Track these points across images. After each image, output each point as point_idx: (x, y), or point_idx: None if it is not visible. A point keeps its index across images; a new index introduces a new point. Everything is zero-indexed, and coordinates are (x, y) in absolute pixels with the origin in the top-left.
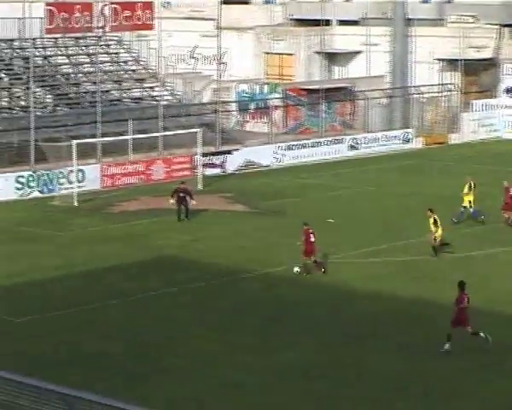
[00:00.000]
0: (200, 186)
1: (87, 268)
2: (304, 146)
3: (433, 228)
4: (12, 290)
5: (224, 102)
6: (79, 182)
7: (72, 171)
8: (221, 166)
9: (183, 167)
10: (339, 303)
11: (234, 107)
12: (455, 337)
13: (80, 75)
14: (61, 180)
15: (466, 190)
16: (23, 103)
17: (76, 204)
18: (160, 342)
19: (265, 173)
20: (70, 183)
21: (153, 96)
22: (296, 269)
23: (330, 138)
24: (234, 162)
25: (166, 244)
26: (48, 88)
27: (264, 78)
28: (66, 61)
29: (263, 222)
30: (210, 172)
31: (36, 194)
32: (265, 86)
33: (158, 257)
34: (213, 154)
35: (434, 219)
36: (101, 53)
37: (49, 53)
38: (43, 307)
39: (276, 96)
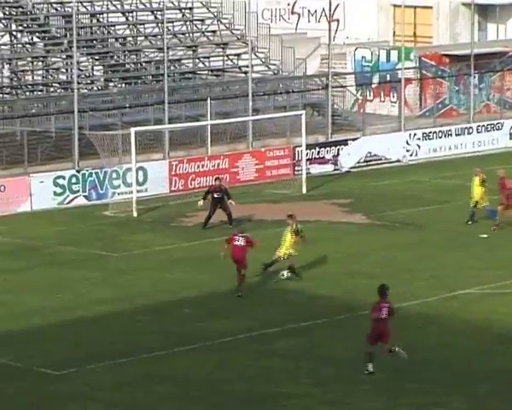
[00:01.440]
0: (303, 189)
1: (150, 302)
2: (447, 134)
3: None
4: (49, 332)
5: (337, 75)
6: (140, 185)
7: (129, 169)
8: (333, 161)
9: (280, 164)
10: (498, 349)
11: (350, 81)
12: None
13: (141, 39)
14: (115, 182)
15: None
16: (63, 78)
17: (135, 215)
18: (250, 403)
19: (395, 171)
20: (127, 186)
21: (239, 67)
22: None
23: (484, 123)
24: (351, 157)
25: (258, 269)
26: (97, 57)
27: (393, 40)
28: (122, 19)
29: (391, 239)
30: (318, 169)
31: (81, 201)
32: (394, 52)
33: (247, 287)
34: (323, 145)
35: None
36: (170, 8)
37: (98, 9)
38: (89, 356)
39: (409, 65)
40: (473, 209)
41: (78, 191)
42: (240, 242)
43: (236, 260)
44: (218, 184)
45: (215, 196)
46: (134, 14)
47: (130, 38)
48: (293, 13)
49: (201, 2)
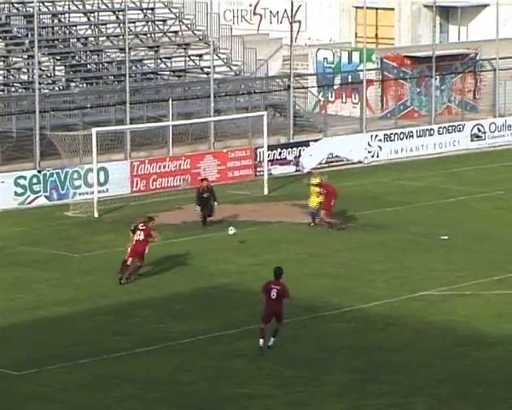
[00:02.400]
0: (265, 190)
1: (111, 303)
2: (409, 135)
3: None
4: (9, 333)
5: (298, 76)
6: (101, 185)
7: (91, 170)
8: (295, 162)
9: (242, 165)
10: (459, 351)
11: (312, 82)
12: None
13: (102, 39)
14: (77, 182)
15: None
16: (24, 78)
17: (96, 215)
18: (212, 404)
19: (356, 173)
20: (88, 186)
21: (201, 68)
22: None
23: (445, 125)
24: (313, 158)
25: (221, 270)
26: (58, 57)
27: (354, 42)
28: (84, 19)
29: (353, 240)
30: (279, 171)
31: (42, 201)
32: (355, 53)
33: (209, 288)
34: (284, 146)
35: None
36: (131, 8)
37: (59, 9)
38: (51, 356)
39: (371, 66)
40: None
41: (40, 191)
42: (140, 236)
43: (135, 255)
44: (206, 184)
45: (204, 196)
46: (95, 14)
47: (92, 39)
48: (255, 14)
49: (163, 3)
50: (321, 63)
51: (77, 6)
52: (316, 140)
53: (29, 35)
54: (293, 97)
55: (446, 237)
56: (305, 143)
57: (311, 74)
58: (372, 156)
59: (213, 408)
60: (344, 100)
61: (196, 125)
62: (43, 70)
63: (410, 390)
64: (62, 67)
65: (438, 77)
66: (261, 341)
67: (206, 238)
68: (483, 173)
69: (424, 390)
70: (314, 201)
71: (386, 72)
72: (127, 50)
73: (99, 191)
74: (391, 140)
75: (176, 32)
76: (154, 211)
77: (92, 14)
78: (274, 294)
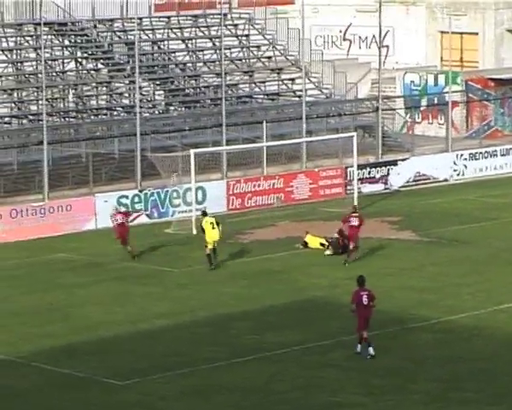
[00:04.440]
0: None
1: (208, 315)
2: (493, 154)
3: None
4: (113, 344)
5: (386, 98)
6: (199, 204)
7: (189, 189)
8: (384, 181)
9: (333, 183)
10: None
11: (400, 104)
12: None
13: (200, 65)
14: (176, 201)
15: None
16: (126, 102)
17: (195, 232)
18: None
19: (442, 190)
20: (187, 204)
21: (294, 91)
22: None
23: None
24: (400, 176)
25: (313, 284)
26: (158, 82)
27: (440, 65)
28: (182, 46)
29: (439, 255)
30: (369, 189)
31: (143, 219)
32: (441, 76)
33: (302, 301)
34: (373, 165)
35: None
36: (227, 36)
37: (159, 36)
38: (151, 367)
39: (456, 88)
40: None
41: (141, 210)
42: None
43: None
44: None
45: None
46: (193, 41)
47: (190, 64)
48: (344, 39)
49: (257, 30)
50: (408, 86)
51: (175, 33)
52: (403, 159)
53: (130, 61)
54: (382, 119)
55: None
56: (393, 163)
57: (398, 96)
58: (458, 175)
59: None
60: (430, 121)
61: (289, 146)
62: (143, 95)
63: (494, 398)
64: (162, 92)
65: None
66: (359, 346)
67: (298, 254)
68: None
69: (508, 398)
70: None
71: (470, 93)
72: (223, 75)
73: (197, 209)
74: (476, 159)
75: (269, 57)
76: (251, 228)
77: (190, 41)
78: (366, 299)
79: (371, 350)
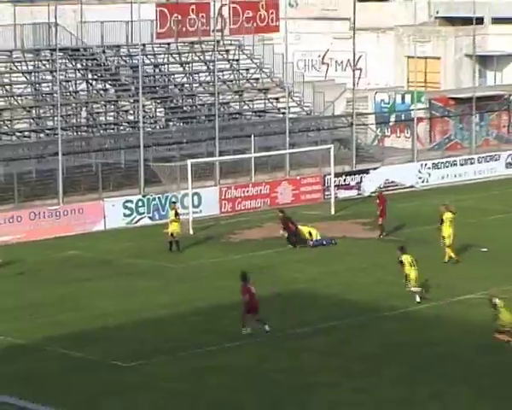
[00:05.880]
0: (332, 211)
1: (204, 306)
2: (453, 164)
3: None
4: (120, 331)
5: (360, 115)
6: (195, 207)
7: (186, 194)
8: (357, 187)
9: (312, 189)
10: (497, 345)
11: (371, 119)
12: None
13: (196, 85)
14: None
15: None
16: (131, 118)
17: (191, 232)
18: (289, 390)
19: (409, 196)
20: (185, 208)
21: (278, 109)
22: None
23: (484, 155)
24: (372, 183)
25: (294, 278)
26: (159, 100)
27: (407, 86)
28: (180, 69)
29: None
30: (344, 194)
31: (146, 221)
32: (408, 95)
33: (285, 293)
34: (348, 173)
35: None
36: (220, 60)
37: (160, 60)
38: (154, 351)
39: (421, 106)
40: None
41: (144, 213)
42: None
43: None
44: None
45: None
46: (190, 64)
47: (187, 85)
48: (323, 63)
49: (246, 55)
50: (378, 104)
51: (174, 58)
52: (374, 168)
53: (134, 82)
54: (356, 133)
55: (485, 250)
56: (366, 171)
57: (370, 113)
58: (422, 182)
59: (290, 394)
60: (398, 134)
61: (274, 157)
62: (146, 112)
63: (456, 378)
64: (162, 109)
65: (477, 115)
66: (249, 329)
67: (281, 252)
68: None
69: (468, 380)
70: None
71: (433, 111)
72: (216, 95)
73: (193, 212)
74: (438, 168)
75: (257, 79)
76: (240, 228)
77: (187, 65)
78: (253, 291)
79: (267, 327)
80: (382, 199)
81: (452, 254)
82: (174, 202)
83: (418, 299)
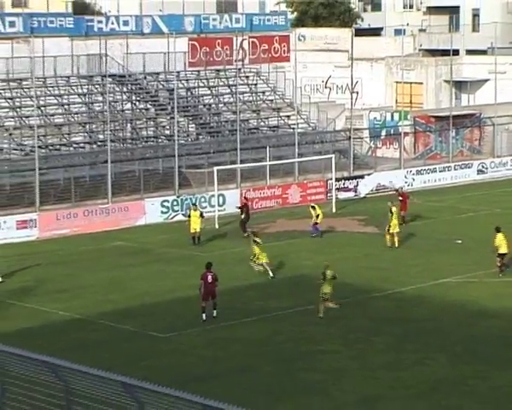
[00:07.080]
0: (333, 209)
1: (226, 287)
2: (433, 171)
3: None
4: (157, 308)
5: (356, 130)
6: (220, 206)
7: (213, 195)
8: (354, 190)
9: (317, 191)
10: (470, 321)
11: (366, 134)
12: None
13: (221, 105)
14: (204, 204)
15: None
16: (168, 132)
17: (217, 227)
18: (297, 357)
19: (397, 197)
20: (211, 206)
21: (289, 125)
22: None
23: (459, 163)
24: (366, 186)
25: (302, 265)
26: (191, 118)
27: (395, 106)
28: (208, 92)
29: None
30: (343, 195)
31: (180, 217)
32: (396, 114)
33: (294, 277)
34: (347, 178)
35: None
36: (241, 84)
37: (191, 85)
38: (186, 324)
39: (407, 123)
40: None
41: (178, 211)
42: None
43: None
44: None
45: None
46: (216, 88)
47: (214, 105)
48: (325, 87)
49: (263, 80)
50: (372, 121)
51: (203, 83)
52: (368, 174)
53: (170, 103)
54: (353, 145)
55: (460, 241)
56: (361, 177)
57: (365, 128)
58: (408, 185)
59: (298, 359)
60: (388, 146)
61: (285, 165)
62: (180, 127)
63: (435, 348)
64: (193, 125)
65: (454, 130)
66: (204, 315)
67: (292, 243)
68: (486, 197)
69: (445, 348)
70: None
71: (417, 126)
72: (238, 113)
73: (219, 210)
74: (421, 174)
75: (271, 100)
76: (257, 224)
77: (214, 89)
78: (210, 278)
79: (215, 313)
80: (404, 196)
81: (393, 241)
82: (195, 204)
83: None
